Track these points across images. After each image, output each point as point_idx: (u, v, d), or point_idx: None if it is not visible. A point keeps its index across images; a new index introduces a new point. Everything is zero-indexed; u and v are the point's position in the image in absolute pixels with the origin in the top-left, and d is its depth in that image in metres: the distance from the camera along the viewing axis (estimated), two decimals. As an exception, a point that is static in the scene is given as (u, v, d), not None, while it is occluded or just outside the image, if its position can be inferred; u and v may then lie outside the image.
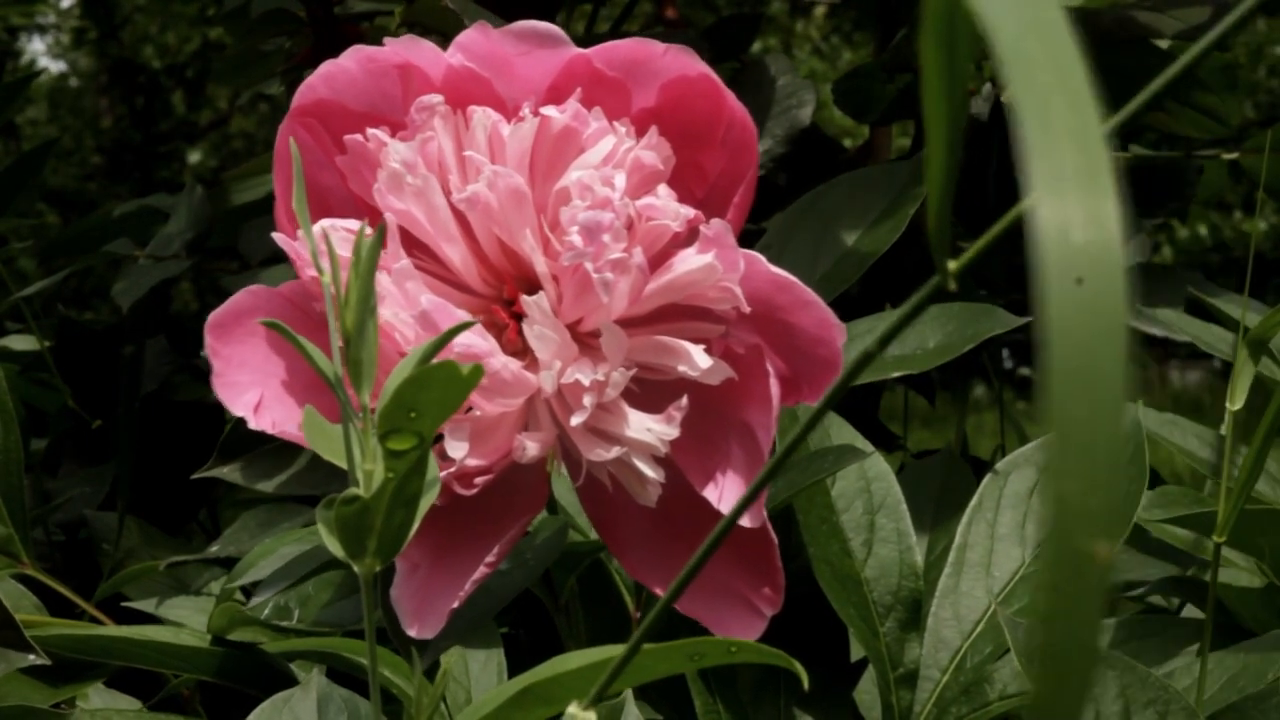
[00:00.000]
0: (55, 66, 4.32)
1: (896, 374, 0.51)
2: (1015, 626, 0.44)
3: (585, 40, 0.39)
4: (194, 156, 3.60)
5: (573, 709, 0.27)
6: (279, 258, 0.83)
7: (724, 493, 0.38)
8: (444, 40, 0.40)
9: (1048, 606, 0.14)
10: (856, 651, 0.57)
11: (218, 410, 0.86)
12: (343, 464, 0.29)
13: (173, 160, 3.50)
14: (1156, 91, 0.19)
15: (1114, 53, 0.66)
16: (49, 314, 0.95)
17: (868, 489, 0.52)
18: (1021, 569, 0.51)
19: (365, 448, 0.29)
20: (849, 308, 0.48)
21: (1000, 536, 0.51)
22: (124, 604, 0.57)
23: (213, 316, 0.39)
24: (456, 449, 0.36)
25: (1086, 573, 0.14)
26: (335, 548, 0.29)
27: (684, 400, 0.37)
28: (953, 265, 0.19)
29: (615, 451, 0.37)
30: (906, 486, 0.53)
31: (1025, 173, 0.15)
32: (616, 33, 0.88)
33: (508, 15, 0.41)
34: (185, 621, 0.55)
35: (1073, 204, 0.15)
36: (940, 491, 0.63)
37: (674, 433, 0.37)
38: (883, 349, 0.21)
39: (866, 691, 0.56)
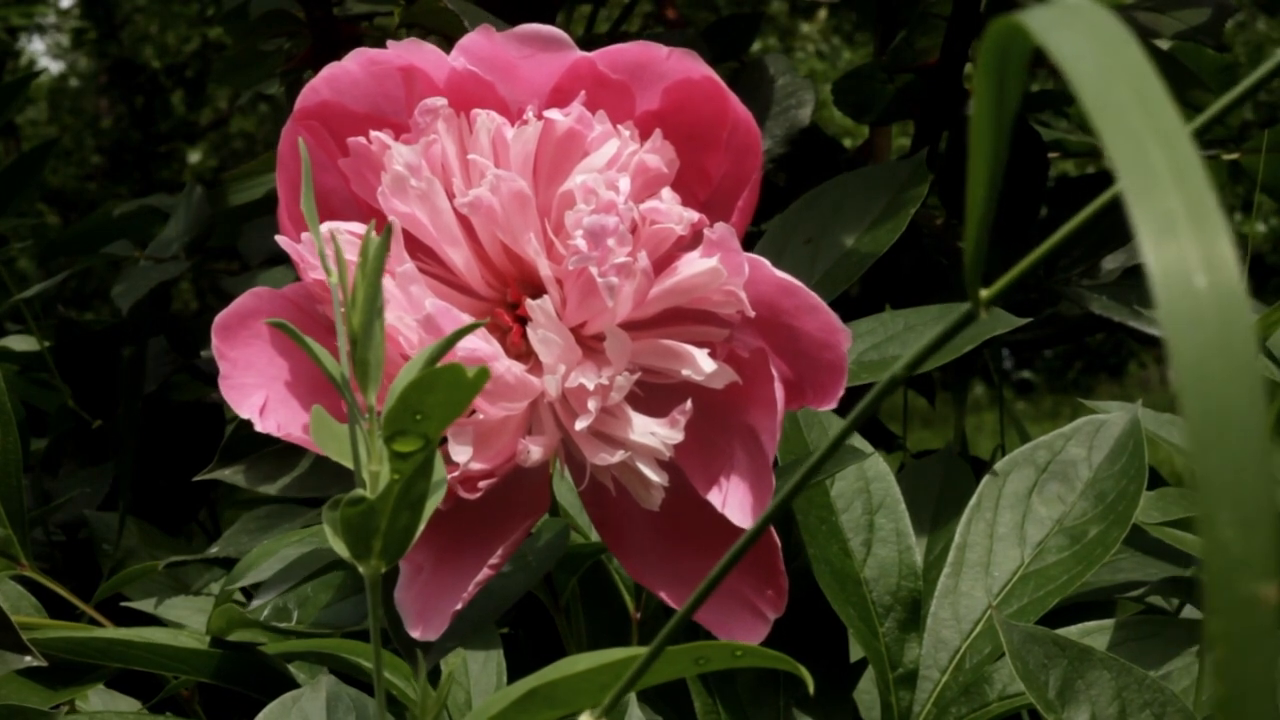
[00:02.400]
0: (55, 66, 4.31)
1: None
2: (1010, 629, 0.43)
3: (584, 41, 0.39)
4: (194, 156, 3.59)
5: (586, 718, 0.27)
6: (279, 258, 0.82)
7: (727, 496, 0.38)
8: (444, 41, 0.40)
9: (1223, 656, 0.13)
10: (856, 651, 0.57)
11: (218, 411, 0.86)
12: (350, 465, 0.29)
13: (173, 160, 3.50)
14: (1230, 104, 0.19)
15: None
16: (49, 314, 0.95)
17: (867, 489, 0.52)
18: (1020, 569, 0.51)
19: (371, 449, 0.29)
20: (849, 308, 0.48)
21: (999, 537, 0.51)
22: (123, 604, 0.57)
23: (219, 319, 0.39)
24: (460, 453, 0.36)
25: (1257, 617, 0.13)
26: (341, 549, 0.29)
27: (688, 404, 0.37)
28: (984, 294, 0.19)
29: (619, 455, 0.37)
30: (906, 486, 0.53)
31: (1130, 218, 0.15)
32: (616, 33, 0.88)
33: (507, 16, 0.41)
34: (185, 622, 0.55)
35: (1187, 248, 0.14)
36: (940, 491, 0.63)
37: (678, 437, 0.37)
38: (911, 373, 0.21)
39: (866, 691, 0.56)
